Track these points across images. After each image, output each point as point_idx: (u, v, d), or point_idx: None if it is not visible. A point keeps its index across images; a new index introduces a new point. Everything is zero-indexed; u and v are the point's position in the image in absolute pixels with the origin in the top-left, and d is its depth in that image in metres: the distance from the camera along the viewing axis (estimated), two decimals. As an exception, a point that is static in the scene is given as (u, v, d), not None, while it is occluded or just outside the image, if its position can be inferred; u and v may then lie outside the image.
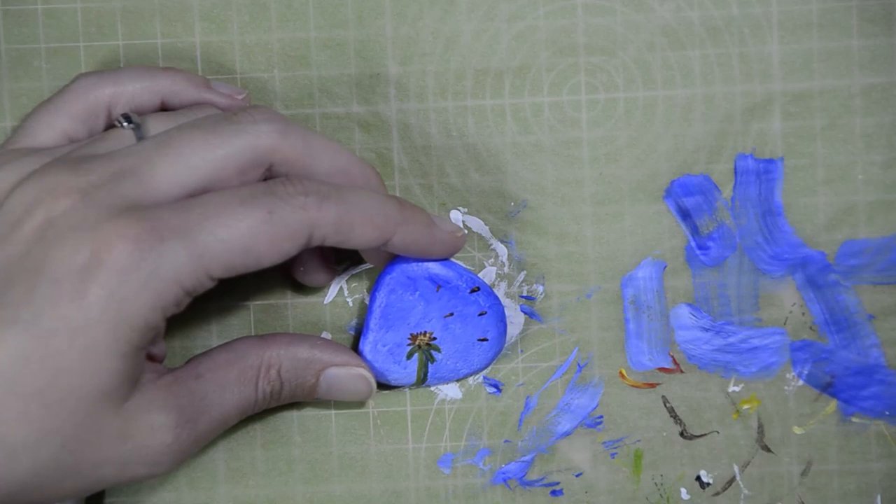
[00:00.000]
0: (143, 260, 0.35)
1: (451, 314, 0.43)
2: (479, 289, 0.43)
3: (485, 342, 0.43)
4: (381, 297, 0.42)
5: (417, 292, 0.42)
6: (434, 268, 0.42)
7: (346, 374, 0.42)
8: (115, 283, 0.35)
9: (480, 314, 0.43)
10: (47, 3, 0.45)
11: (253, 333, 0.45)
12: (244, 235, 0.36)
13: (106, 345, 0.35)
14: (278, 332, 0.44)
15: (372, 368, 0.43)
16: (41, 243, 0.35)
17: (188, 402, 0.38)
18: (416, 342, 0.43)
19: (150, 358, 0.39)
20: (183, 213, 0.36)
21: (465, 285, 0.42)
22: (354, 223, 0.38)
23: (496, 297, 0.43)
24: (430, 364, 0.43)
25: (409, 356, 0.43)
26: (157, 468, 0.38)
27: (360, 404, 0.45)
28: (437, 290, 0.42)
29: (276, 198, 0.37)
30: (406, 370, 0.43)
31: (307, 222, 0.37)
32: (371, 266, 0.45)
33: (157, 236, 0.35)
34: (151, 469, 0.38)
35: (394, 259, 0.42)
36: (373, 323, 0.42)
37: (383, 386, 0.44)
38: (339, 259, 0.45)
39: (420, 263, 0.42)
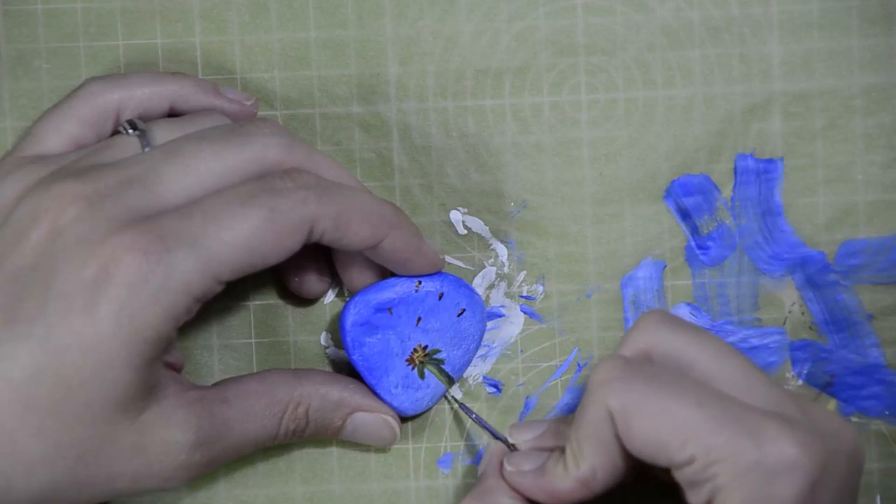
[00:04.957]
0: (151, 272, 0.35)
1: (420, 318, 0.43)
2: (420, 282, 0.42)
3: (465, 312, 0.43)
4: (356, 358, 0.42)
5: (379, 328, 0.42)
6: (374, 299, 0.42)
7: (372, 419, 0.42)
8: (125, 297, 0.35)
9: (440, 297, 0.43)
10: (47, 3, 0.45)
11: (253, 333, 0.45)
12: (248, 236, 0.36)
13: (119, 359, 0.35)
14: (312, 367, 0.44)
15: (402, 408, 0.43)
16: (49, 255, 0.35)
17: (208, 425, 0.38)
18: (416, 361, 0.43)
19: (170, 366, 0.39)
20: (186, 220, 0.36)
21: (408, 290, 0.42)
22: (352, 219, 0.38)
23: (442, 274, 0.43)
24: (442, 366, 0.43)
25: (422, 375, 0.43)
26: (169, 483, 0.38)
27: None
28: (392, 313, 0.42)
29: (276, 194, 0.37)
30: (431, 386, 0.43)
31: (309, 216, 0.37)
32: None
33: (164, 246, 0.35)
34: (162, 483, 0.38)
35: (341, 320, 0.42)
36: (371, 380, 0.42)
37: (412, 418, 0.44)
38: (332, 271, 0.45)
39: (361, 304, 0.42)
